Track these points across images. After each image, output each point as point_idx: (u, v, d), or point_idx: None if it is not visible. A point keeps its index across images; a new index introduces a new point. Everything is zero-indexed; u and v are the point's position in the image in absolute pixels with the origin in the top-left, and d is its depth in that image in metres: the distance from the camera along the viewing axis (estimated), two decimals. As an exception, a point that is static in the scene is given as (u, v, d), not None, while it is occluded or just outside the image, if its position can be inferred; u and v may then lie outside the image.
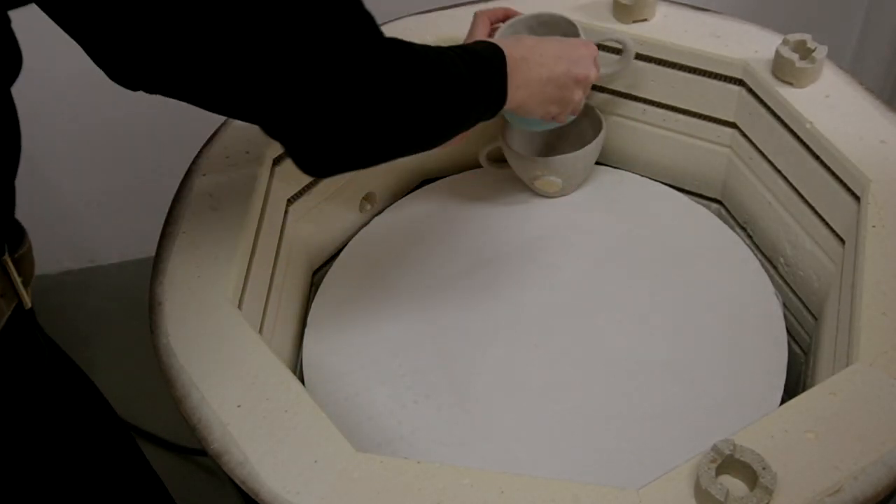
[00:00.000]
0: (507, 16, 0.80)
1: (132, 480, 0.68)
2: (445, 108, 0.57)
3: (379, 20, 0.92)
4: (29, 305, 0.53)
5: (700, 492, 0.48)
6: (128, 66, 0.50)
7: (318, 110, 0.48)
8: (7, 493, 0.54)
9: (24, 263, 0.53)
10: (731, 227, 0.84)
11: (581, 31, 0.79)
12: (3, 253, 0.51)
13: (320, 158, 0.52)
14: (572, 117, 0.78)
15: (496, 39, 0.71)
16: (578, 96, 0.71)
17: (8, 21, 0.47)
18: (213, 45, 0.45)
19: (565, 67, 0.68)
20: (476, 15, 0.78)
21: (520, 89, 0.66)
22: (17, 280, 0.51)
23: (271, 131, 0.51)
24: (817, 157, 0.71)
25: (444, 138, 0.61)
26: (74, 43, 0.51)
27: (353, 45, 0.48)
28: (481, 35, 0.76)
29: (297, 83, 0.47)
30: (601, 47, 0.83)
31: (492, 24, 0.78)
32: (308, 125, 0.49)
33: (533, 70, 0.66)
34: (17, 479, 0.55)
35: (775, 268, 0.81)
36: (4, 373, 0.52)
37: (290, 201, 0.79)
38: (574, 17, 0.83)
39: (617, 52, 0.84)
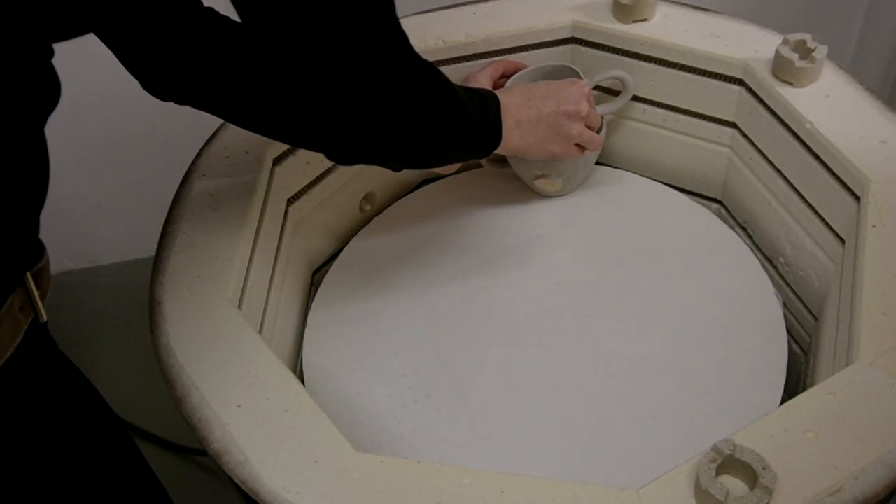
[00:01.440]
0: (517, 70, 0.84)
1: (130, 481, 0.68)
2: (454, 132, 0.63)
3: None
4: (45, 319, 0.54)
5: (700, 492, 0.48)
6: (164, 80, 0.54)
7: (358, 111, 0.53)
8: (6, 495, 0.55)
9: (42, 277, 0.53)
10: (731, 227, 0.84)
11: (583, 78, 0.80)
12: (24, 272, 0.51)
13: (349, 150, 0.58)
14: (595, 152, 0.82)
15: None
16: (576, 130, 0.76)
17: (51, 54, 0.48)
18: (262, 59, 0.49)
19: (553, 106, 0.74)
20: (492, 61, 0.83)
21: (513, 131, 0.72)
22: (36, 294, 0.52)
23: (305, 129, 0.58)
24: (817, 157, 0.71)
25: (445, 160, 0.67)
26: (73, 46, 0.52)
27: (393, 55, 0.53)
28: (486, 77, 0.81)
29: (341, 89, 0.52)
30: (600, 88, 0.85)
31: (503, 72, 0.83)
32: (345, 124, 0.54)
33: (522, 112, 0.73)
34: (17, 481, 0.55)
35: (775, 268, 0.81)
36: (20, 384, 0.52)
37: (290, 201, 0.79)
38: (574, 17, 0.84)
39: (616, 92, 0.85)
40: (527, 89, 0.75)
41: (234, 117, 0.65)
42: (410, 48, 0.54)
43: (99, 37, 0.56)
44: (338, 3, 0.48)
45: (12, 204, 0.48)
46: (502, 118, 0.70)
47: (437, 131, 0.60)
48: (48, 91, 0.49)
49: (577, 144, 0.78)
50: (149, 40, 0.57)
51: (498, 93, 0.71)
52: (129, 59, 0.59)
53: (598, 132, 0.84)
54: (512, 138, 0.72)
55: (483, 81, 0.80)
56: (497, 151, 0.72)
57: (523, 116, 0.73)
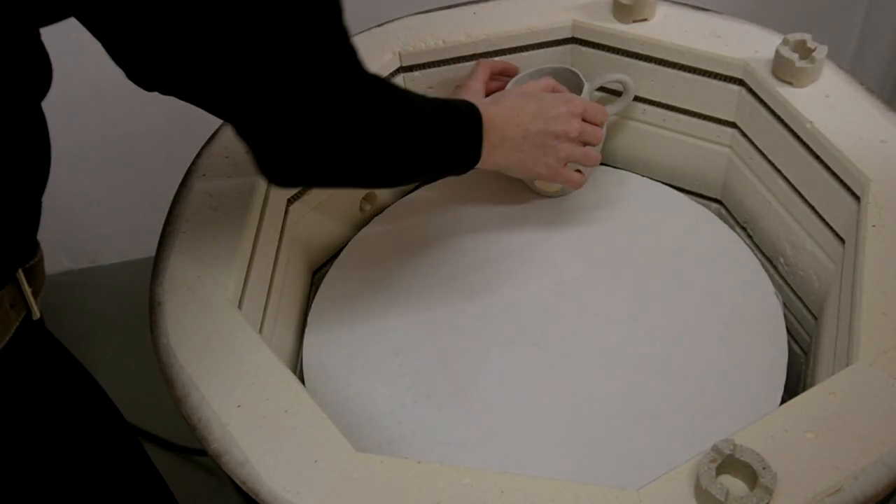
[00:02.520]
0: (504, 70, 0.82)
1: (137, 484, 0.68)
2: (412, 151, 0.59)
3: (379, 20, 0.93)
4: (38, 316, 0.54)
5: (700, 492, 0.48)
6: (143, 68, 0.53)
7: (292, 126, 0.50)
8: (11, 496, 0.54)
9: (36, 274, 0.53)
10: (731, 227, 0.84)
11: (584, 80, 0.80)
12: (17, 268, 0.51)
13: (283, 169, 0.54)
14: (589, 169, 0.80)
15: (483, 100, 0.73)
16: (564, 152, 0.73)
17: (38, 34, 0.48)
18: (211, 55, 0.47)
19: (542, 125, 0.70)
20: (478, 63, 0.81)
21: (496, 148, 0.68)
22: (28, 291, 0.52)
23: (247, 136, 0.53)
24: (817, 157, 0.71)
25: (406, 179, 0.63)
26: (74, 45, 0.51)
27: (334, 72, 0.50)
28: (479, 82, 0.78)
29: (278, 99, 0.49)
30: (602, 89, 0.84)
31: (492, 74, 0.81)
32: (281, 137, 0.51)
33: (509, 129, 0.69)
34: (21, 482, 0.55)
35: (775, 268, 0.81)
36: (11, 382, 0.52)
37: (290, 201, 0.79)
38: (574, 17, 0.84)
39: (617, 93, 0.85)
40: (516, 104, 0.71)
41: (210, 110, 0.63)
42: (357, 64, 0.52)
43: (82, 23, 0.54)
44: (275, 12, 0.46)
45: (9, 192, 0.48)
46: (485, 134, 0.66)
47: (386, 150, 0.56)
48: (38, 70, 0.48)
49: (569, 166, 0.75)
50: (133, 27, 0.56)
51: (484, 105, 0.68)
52: (113, 47, 0.57)
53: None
54: (494, 155, 0.69)
55: (476, 87, 0.78)
56: (478, 167, 0.69)
57: (509, 133, 0.69)
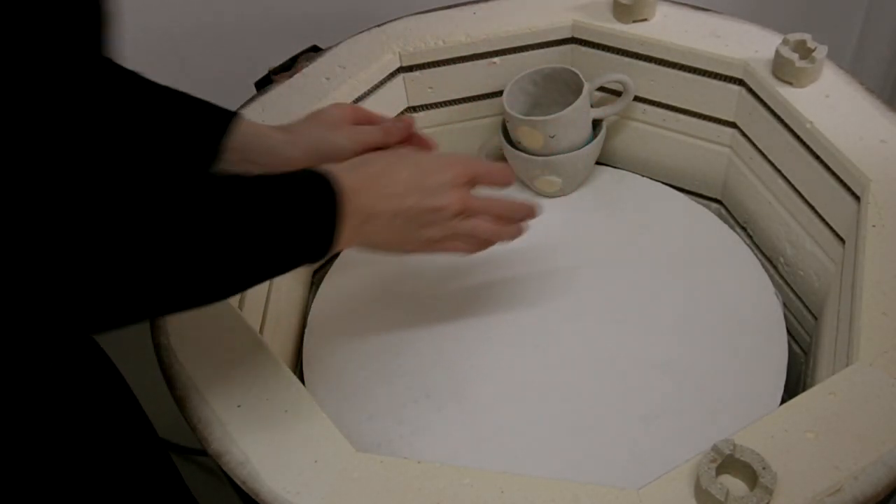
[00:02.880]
0: (370, 119, 0.70)
1: (155, 477, 0.67)
2: (207, 265, 0.46)
3: (379, 20, 0.92)
4: None
5: (700, 492, 0.48)
6: None
7: (27, 260, 0.38)
8: (17, 490, 0.54)
9: None
10: (731, 227, 0.84)
11: (584, 80, 0.80)
12: None
13: (44, 321, 0.41)
14: (594, 152, 0.81)
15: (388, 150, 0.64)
16: (439, 232, 0.58)
17: None
18: None
19: (416, 199, 0.56)
20: (351, 107, 0.71)
21: (360, 227, 0.54)
22: None
23: None
24: (817, 157, 0.71)
25: (217, 296, 0.49)
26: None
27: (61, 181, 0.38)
28: (343, 117, 0.68)
29: None
30: (602, 89, 0.84)
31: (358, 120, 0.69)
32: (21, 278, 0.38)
33: (378, 203, 0.55)
34: (27, 477, 0.55)
35: (775, 268, 0.81)
36: (8, 367, 0.52)
37: (290, 201, 0.79)
38: (574, 17, 0.84)
39: (617, 93, 0.85)
40: (386, 170, 0.56)
41: None
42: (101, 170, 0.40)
43: None
44: None
45: None
46: (346, 212, 0.52)
47: (158, 276, 0.43)
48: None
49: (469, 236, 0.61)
50: None
51: (345, 172, 0.53)
52: None
53: (595, 136, 0.84)
54: (358, 235, 0.55)
55: (339, 122, 0.67)
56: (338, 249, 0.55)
57: (379, 208, 0.55)
